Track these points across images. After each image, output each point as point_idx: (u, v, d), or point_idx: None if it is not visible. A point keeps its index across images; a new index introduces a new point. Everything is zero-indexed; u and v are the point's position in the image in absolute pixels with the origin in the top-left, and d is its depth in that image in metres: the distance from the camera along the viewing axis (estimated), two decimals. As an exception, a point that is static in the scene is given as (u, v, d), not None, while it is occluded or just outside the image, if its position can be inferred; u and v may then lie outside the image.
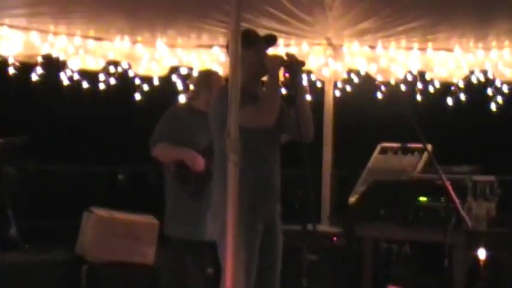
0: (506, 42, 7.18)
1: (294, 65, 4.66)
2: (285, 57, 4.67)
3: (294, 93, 4.59)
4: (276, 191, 4.71)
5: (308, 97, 7.70)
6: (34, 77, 7.35)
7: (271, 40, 4.81)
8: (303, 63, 4.72)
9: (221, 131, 4.43)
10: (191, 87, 6.24)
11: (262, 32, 4.87)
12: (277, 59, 4.65)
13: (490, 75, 7.60)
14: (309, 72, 7.61)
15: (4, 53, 7.04)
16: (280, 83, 4.61)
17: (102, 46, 7.41)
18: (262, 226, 4.64)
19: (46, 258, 6.71)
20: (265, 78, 4.76)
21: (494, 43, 7.22)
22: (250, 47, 4.64)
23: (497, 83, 7.66)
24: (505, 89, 7.68)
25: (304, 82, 7.76)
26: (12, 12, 6.71)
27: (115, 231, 6.52)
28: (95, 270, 6.42)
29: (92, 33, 7.27)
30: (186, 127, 5.75)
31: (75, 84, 7.52)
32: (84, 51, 7.34)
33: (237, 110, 4.21)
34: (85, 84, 7.56)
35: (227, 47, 4.50)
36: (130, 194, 10.93)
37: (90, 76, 7.55)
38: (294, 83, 4.60)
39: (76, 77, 7.50)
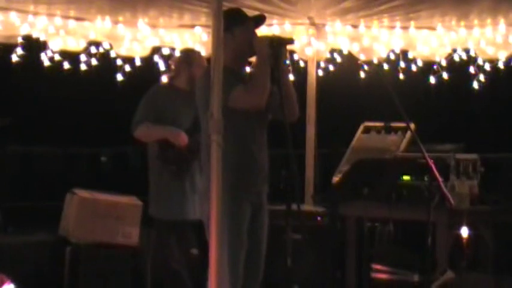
0: (488, 20, 7.18)
1: (282, 44, 4.61)
2: (273, 37, 4.65)
3: (279, 73, 4.58)
4: (264, 172, 4.71)
5: (291, 77, 7.73)
6: (14, 58, 7.28)
7: (260, 20, 4.79)
8: (291, 41, 4.70)
9: (206, 112, 4.40)
10: (172, 66, 6.22)
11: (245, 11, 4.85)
12: (265, 39, 4.61)
13: (473, 54, 7.61)
14: (291, 52, 7.59)
15: (-17, 34, 6.97)
16: (269, 64, 4.58)
17: (83, 26, 7.34)
18: (249, 208, 4.64)
19: (29, 240, 6.68)
20: (253, 59, 4.75)
21: (476, 21, 7.21)
22: (238, 26, 4.62)
23: (480, 61, 7.67)
24: (487, 67, 7.68)
25: (287, 61, 7.76)
26: (-9, -7, 6.65)
27: (98, 212, 6.50)
28: (79, 251, 6.41)
29: (72, 13, 7.19)
30: (169, 106, 5.74)
31: (56, 65, 7.46)
32: (64, 32, 7.26)
33: (219, 90, 4.19)
34: (66, 65, 7.49)
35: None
36: (113, 176, 10.92)
37: (72, 57, 7.48)
38: (278, 62, 4.57)
39: (57, 57, 7.43)
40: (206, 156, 4.53)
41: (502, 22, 7.15)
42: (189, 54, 6.00)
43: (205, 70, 4.79)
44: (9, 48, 7.21)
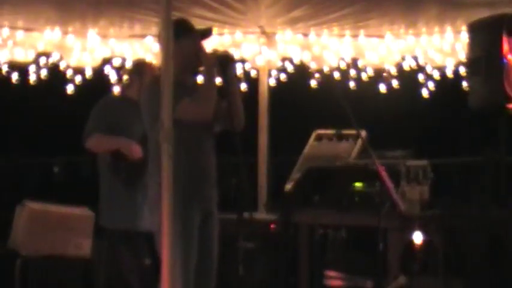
0: (436, 28, 7.30)
1: (227, 59, 4.73)
2: (218, 53, 4.74)
3: (227, 85, 4.65)
4: (211, 180, 4.73)
5: (242, 86, 7.77)
6: (-40, 71, 7.20)
7: (207, 33, 4.86)
8: (232, 58, 4.81)
9: (153, 122, 4.41)
10: (125, 77, 6.19)
11: (195, 21, 4.88)
12: (213, 55, 4.71)
13: (421, 61, 7.72)
14: (243, 61, 7.62)
15: None
16: (215, 78, 4.66)
17: (31, 37, 7.27)
18: (199, 215, 4.65)
19: (-22, 254, 6.59)
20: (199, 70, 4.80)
21: (424, 29, 7.33)
22: (184, 37, 4.64)
23: (428, 69, 7.78)
24: (436, 74, 7.80)
25: (238, 71, 7.79)
26: None
27: (49, 224, 6.43)
28: (29, 264, 6.33)
29: (20, 23, 7.12)
30: (120, 117, 5.70)
31: (4, 77, 7.37)
32: (13, 43, 7.19)
33: (170, 100, 4.19)
34: (15, 77, 7.41)
35: (159, 36, 4.48)
36: (65, 186, 10.80)
37: (20, 68, 7.41)
38: (226, 75, 4.67)
39: (5, 69, 7.35)
40: (154, 166, 4.54)
41: (449, 30, 7.28)
42: (140, 65, 5.98)
43: (150, 80, 4.81)
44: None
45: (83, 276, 6.49)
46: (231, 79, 4.73)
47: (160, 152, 4.24)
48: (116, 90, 7.04)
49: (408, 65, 7.79)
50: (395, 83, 7.83)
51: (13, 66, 7.34)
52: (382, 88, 7.86)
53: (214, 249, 4.72)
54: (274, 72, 7.95)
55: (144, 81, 5.75)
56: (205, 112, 4.62)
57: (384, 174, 5.68)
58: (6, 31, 7.11)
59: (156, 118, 4.37)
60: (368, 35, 7.50)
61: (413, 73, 7.87)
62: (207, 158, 4.72)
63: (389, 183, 5.76)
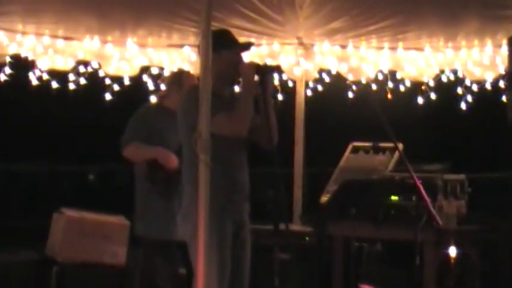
0: (476, 42, 7.23)
1: (266, 71, 4.68)
2: (257, 65, 4.70)
3: (265, 102, 4.61)
4: (244, 191, 4.72)
5: (279, 97, 7.77)
6: (2, 77, 7.27)
7: (247, 46, 4.85)
8: (277, 68, 4.75)
9: (190, 132, 4.42)
10: (163, 86, 6.22)
11: (234, 32, 4.87)
12: (252, 66, 4.66)
13: (460, 74, 7.66)
14: (280, 72, 7.62)
15: (-29, 54, 6.97)
16: (253, 93, 4.62)
17: (71, 45, 7.34)
18: (232, 226, 4.64)
19: (15, 259, 6.64)
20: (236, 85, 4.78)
21: (463, 42, 7.26)
22: (226, 48, 4.64)
23: (467, 82, 7.72)
24: (475, 88, 7.73)
25: (275, 81, 7.80)
26: (-21, 11, 6.64)
27: (85, 231, 6.48)
28: (65, 271, 6.37)
29: (61, 32, 7.20)
30: (157, 127, 5.73)
31: (44, 84, 7.46)
32: (53, 51, 7.27)
33: (208, 111, 4.20)
34: (54, 84, 7.49)
35: (199, 46, 4.48)
36: (101, 194, 10.88)
37: (60, 76, 7.48)
38: (264, 91, 4.61)
39: (45, 76, 7.43)
40: (188, 175, 4.54)
41: (489, 43, 7.21)
42: (179, 75, 6.00)
43: (188, 89, 4.80)
44: (-3, 67, 7.22)
45: (117, 285, 6.52)
46: (268, 93, 4.68)
47: (195, 162, 4.26)
48: (154, 99, 7.09)
49: (446, 78, 7.73)
50: (433, 96, 7.77)
51: (53, 74, 7.42)
52: (420, 101, 7.80)
53: (247, 260, 4.71)
54: (311, 84, 7.93)
55: (183, 91, 5.77)
56: (240, 128, 4.60)
57: (421, 187, 5.63)
58: (47, 39, 7.19)
59: (191, 128, 4.38)
60: (407, 48, 7.46)
61: (451, 86, 7.80)
62: (239, 170, 4.71)
63: (427, 197, 5.71)
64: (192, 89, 4.62)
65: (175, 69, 7.23)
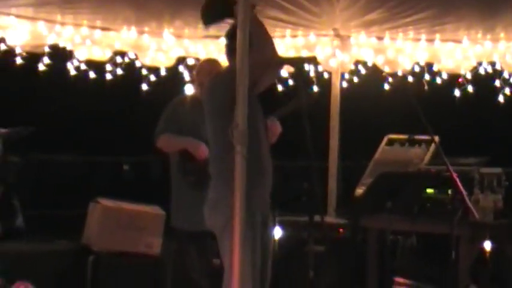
0: (515, 34, 7.16)
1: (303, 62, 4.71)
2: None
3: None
4: (269, 183, 4.72)
5: (315, 88, 7.76)
6: (41, 67, 7.35)
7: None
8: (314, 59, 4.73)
9: (217, 123, 4.39)
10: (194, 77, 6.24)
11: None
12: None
13: (498, 67, 7.57)
14: (316, 64, 7.60)
15: (11, 43, 7.03)
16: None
17: (109, 36, 7.39)
18: (260, 216, 4.65)
19: (52, 249, 6.71)
20: None
21: (502, 34, 7.18)
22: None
23: (505, 75, 7.63)
24: (513, 80, 7.65)
25: (311, 73, 7.79)
26: (19, 2, 6.70)
27: (121, 221, 6.52)
28: (101, 260, 6.42)
29: (98, 23, 7.26)
30: (189, 118, 5.74)
31: (81, 75, 7.52)
32: (91, 42, 7.32)
33: (245, 102, 4.20)
34: (92, 75, 7.55)
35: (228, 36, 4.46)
36: (136, 185, 10.94)
37: (97, 66, 7.54)
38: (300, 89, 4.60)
39: (83, 67, 7.49)
40: (218, 166, 4.55)
41: (528, 35, 7.13)
42: (198, 64, 6.01)
43: (213, 79, 4.78)
44: (36, 57, 7.28)
45: (152, 275, 6.56)
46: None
47: (222, 154, 4.27)
48: (189, 89, 7.11)
49: (484, 70, 7.65)
50: (470, 89, 7.69)
51: (90, 64, 7.48)
52: (457, 93, 7.73)
53: (271, 250, 4.70)
54: (346, 76, 7.90)
55: (201, 80, 5.78)
56: (269, 53, 4.47)
57: (458, 181, 5.58)
58: (85, 30, 7.25)
59: (217, 119, 4.38)
60: (444, 40, 7.39)
61: (489, 79, 7.72)
62: (267, 161, 4.70)
63: (463, 190, 5.66)
64: (217, 79, 4.62)
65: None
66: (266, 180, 4.68)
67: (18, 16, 6.91)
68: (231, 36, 4.57)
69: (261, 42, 4.48)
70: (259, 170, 4.61)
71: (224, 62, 6.75)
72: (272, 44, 4.54)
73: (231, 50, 4.55)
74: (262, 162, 4.63)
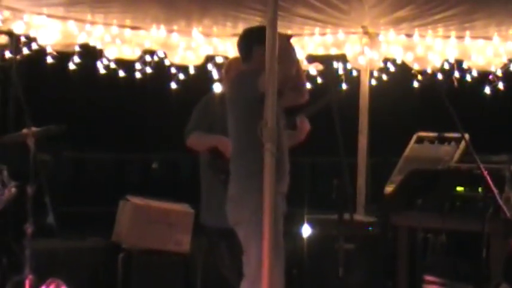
0: (546, 30, 7.09)
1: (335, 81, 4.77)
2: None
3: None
4: (287, 180, 4.74)
5: (343, 86, 7.74)
6: (71, 66, 7.41)
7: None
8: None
9: (242, 116, 4.40)
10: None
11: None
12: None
13: (529, 64, 7.52)
14: (345, 61, 7.59)
15: (42, 42, 7.10)
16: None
17: (138, 35, 7.44)
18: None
19: (83, 246, 6.77)
20: None
21: (533, 31, 7.13)
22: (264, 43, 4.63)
23: (536, 72, 7.57)
24: (544, 77, 7.59)
25: (340, 71, 7.78)
26: (51, 2, 6.77)
27: (151, 219, 6.56)
28: (131, 257, 6.47)
29: (128, 22, 7.30)
30: (220, 116, 5.75)
31: (111, 73, 7.57)
32: (120, 41, 7.37)
33: (274, 99, 4.21)
34: (121, 73, 7.60)
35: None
36: (165, 183, 11.00)
37: (127, 65, 7.58)
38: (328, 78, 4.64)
39: (112, 65, 7.54)
40: (238, 161, 4.56)
41: (559, 31, 7.06)
42: (227, 63, 6.02)
43: (237, 75, 4.80)
44: (67, 56, 7.34)
45: (182, 272, 6.59)
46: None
47: (244, 151, 4.26)
48: (218, 88, 7.12)
49: (515, 67, 7.59)
50: (501, 86, 7.63)
51: (120, 63, 7.52)
52: (487, 91, 7.67)
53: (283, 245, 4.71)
54: (375, 73, 7.87)
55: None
56: (289, 69, 4.55)
57: (489, 178, 5.55)
58: (115, 29, 7.30)
59: (237, 113, 4.40)
60: (474, 37, 7.34)
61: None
62: (286, 155, 4.72)
63: (494, 188, 5.63)
64: (242, 74, 4.64)
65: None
66: (285, 174, 4.69)
67: (49, 16, 6.98)
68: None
69: (285, 60, 4.51)
70: (280, 163, 4.61)
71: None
72: (294, 66, 4.59)
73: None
74: (281, 155, 4.62)
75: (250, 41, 4.63)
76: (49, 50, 7.20)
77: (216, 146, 5.67)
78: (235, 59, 6.04)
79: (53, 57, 7.22)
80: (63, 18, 7.04)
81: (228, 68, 5.91)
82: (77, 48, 7.32)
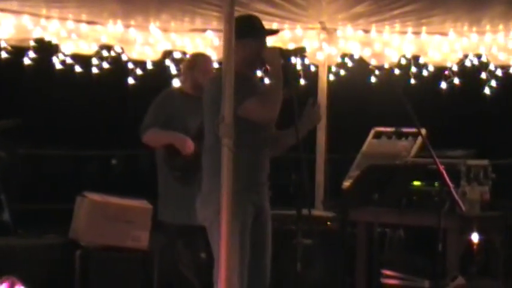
0: (500, 26, 7.16)
1: (291, 54, 4.71)
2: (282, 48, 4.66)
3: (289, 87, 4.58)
4: (265, 176, 4.70)
5: (302, 81, 7.75)
6: (26, 61, 7.30)
7: (273, 33, 4.83)
8: (301, 50, 4.72)
9: (215, 117, 4.40)
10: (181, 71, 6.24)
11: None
12: (276, 50, 4.61)
13: (484, 59, 7.59)
14: (302, 56, 7.59)
15: (-4, 37, 7.00)
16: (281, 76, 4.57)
17: (95, 30, 7.36)
18: (252, 211, 4.63)
19: (39, 243, 6.70)
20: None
21: (488, 27, 7.20)
22: (251, 36, 4.60)
23: (492, 67, 7.65)
24: (499, 72, 7.66)
25: (298, 66, 7.78)
26: (4, -4, 6.67)
27: (108, 215, 6.51)
28: (89, 254, 6.41)
29: (84, 17, 7.22)
30: (176, 112, 5.73)
31: (67, 69, 7.48)
32: (76, 35, 7.29)
33: (231, 96, 4.19)
34: (78, 69, 7.52)
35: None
36: (124, 179, 10.93)
37: (83, 60, 7.50)
38: (287, 74, 4.59)
39: (69, 61, 7.45)
40: (210, 159, 4.53)
41: (514, 28, 7.14)
42: (193, 59, 6.00)
43: (215, 74, 4.79)
44: (22, 51, 7.24)
45: (140, 268, 6.55)
46: (291, 76, 4.67)
47: (216, 148, 4.26)
48: (176, 83, 7.09)
49: (470, 62, 7.67)
50: (457, 81, 7.71)
51: (76, 58, 7.44)
52: (444, 86, 7.75)
53: (268, 244, 4.69)
54: (333, 68, 7.90)
55: (195, 75, 5.76)
56: (271, 114, 4.53)
57: (445, 173, 5.60)
58: (70, 24, 7.21)
59: (215, 112, 4.37)
60: (430, 32, 7.40)
61: (475, 71, 7.74)
62: (262, 155, 4.68)
63: (450, 183, 5.68)
64: (217, 73, 4.59)
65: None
66: (260, 174, 4.66)
67: (2, 10, 6.87)
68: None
69: (273, 102, 4.50)
70: (252, 163, 4.60)
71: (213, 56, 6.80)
72: (278, 107, 4.53)
73: None
74: (254, 154, 4.61)
75: (242, 31, 4.49)
76: (3, 44, 7.09)
77: (172, 143, 5.65)
78: (202, 58, 6.01)
79: (7, 52, 7.12)
80: (17, 12, 6.93)
81: (192, 64, 5.87)
82: (32, 43, 7.22)
